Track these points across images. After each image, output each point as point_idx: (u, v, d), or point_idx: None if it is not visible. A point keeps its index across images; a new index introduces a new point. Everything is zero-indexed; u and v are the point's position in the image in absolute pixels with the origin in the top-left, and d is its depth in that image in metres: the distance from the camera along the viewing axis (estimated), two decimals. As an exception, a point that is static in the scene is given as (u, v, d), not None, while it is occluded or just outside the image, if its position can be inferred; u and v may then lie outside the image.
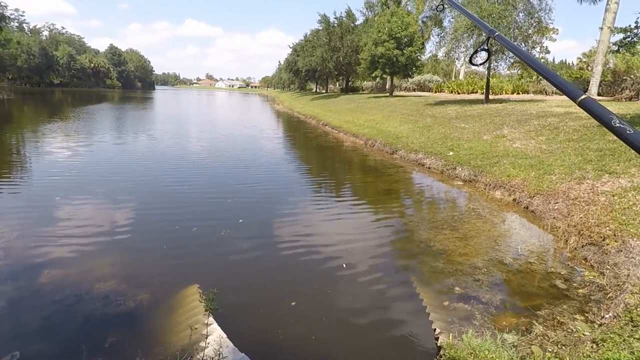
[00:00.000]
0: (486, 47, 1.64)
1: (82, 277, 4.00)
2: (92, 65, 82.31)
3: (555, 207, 5.98)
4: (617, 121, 0.90)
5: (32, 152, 11.44)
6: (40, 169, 9.07)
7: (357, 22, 42.17)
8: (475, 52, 1.83)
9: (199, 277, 4.08)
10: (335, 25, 41.87)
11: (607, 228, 4.78)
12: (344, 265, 4.50)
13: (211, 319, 3.02)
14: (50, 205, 6.32)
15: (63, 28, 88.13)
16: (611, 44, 17.41)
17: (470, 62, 1.87)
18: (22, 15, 70.20)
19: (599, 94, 18.67)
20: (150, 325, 3.31)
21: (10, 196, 6.95)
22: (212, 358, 2.62)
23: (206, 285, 3.73)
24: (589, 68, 21.18)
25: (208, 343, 2.82)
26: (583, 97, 0.99)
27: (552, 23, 17.12)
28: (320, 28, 43.75)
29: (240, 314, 3.50)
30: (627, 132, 0.89)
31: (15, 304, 3.54)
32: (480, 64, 1.83)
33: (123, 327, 3.28)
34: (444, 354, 2.83)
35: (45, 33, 79.50)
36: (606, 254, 4.40)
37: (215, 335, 2.98)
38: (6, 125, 18.21)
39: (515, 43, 17.27)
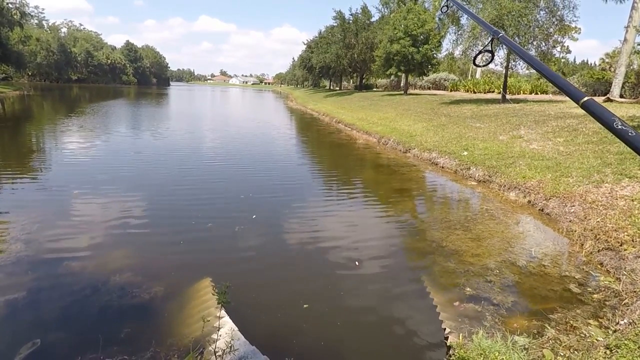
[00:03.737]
0: (490, 49, 1.65)
1: (98, 269, 4.11)
2: (109, 61, 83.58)
3: (572, 210, 5.86)
4: (619, 123, 0.90)
5: (51, 147, 11.77)
6: (59, 164, 9.32)
7: (373, 19, 41.87)
8: (479, 53, 1.85)
9: (212, 271, 4.15)
10: (351, 21, 41.63)
11: (625, 233, 4.67)
12: (356, 263, 4.52)
13: (223, 312, 3.08)
14: (69, 198, 6.50)
15: (81, 25, 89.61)
16: (636, 44, 16.85)
17: (474, 63, 1.90)
18: (41, 13, 71.93)
19: (621, 96, 18.13)
20: (164, 317, 3.39)
21: (31, 188, 7.17)
22: (224, 350, 2.68)
23: (219, 279, 3.81)
24: (612, 69, 20.60)
25: (220, 335, 2.88)
26: (585, 99, 1.00)
27: (575, 21, 16.69)
28: (335, 24, 43.54)
29: (252, 309, 3.55)
30: (629, 134, 0.88)
31: (35, 293, 3.66)
32: (484, 66, 1.86)
33: (138, 318, 3.38)
34: (454, 354, 2.82)
35: (64, 30, 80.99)
36: (623, 259, 4.30)
37: (227, 328, 3.04)
38: (27, 122, 18.74)
39: (535, 42, 16.82)
